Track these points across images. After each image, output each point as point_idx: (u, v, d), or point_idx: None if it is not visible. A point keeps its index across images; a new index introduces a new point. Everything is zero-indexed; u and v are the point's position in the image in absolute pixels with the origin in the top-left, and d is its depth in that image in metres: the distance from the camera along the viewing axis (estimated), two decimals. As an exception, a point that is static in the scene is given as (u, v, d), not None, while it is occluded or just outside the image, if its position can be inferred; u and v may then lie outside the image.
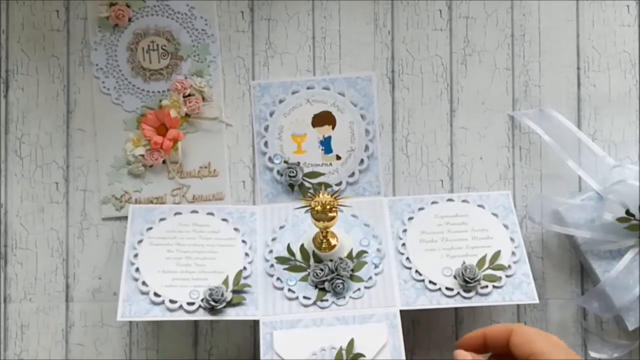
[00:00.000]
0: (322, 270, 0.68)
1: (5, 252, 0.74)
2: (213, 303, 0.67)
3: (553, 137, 0.73)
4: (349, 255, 0.70)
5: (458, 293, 0.68)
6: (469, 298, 0.68)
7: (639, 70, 0.75)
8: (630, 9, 0.76)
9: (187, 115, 0.74)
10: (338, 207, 0.67)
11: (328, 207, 0.66)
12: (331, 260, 0.69)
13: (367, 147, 0.74)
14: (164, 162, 0.74)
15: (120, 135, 0.75)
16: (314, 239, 0.69)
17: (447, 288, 0.68)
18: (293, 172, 0.73)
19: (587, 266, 0.72)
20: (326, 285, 0.68)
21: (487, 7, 0.76)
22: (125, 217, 0.74)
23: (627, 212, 0.68)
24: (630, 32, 0.76)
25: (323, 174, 0.74)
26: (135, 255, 0.70)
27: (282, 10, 0.76)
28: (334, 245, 0.69)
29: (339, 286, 0.68)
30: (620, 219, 0.69)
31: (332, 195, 0.67)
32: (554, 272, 0.74)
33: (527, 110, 0.75)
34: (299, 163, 0.74)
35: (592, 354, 0.73)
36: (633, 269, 0.70)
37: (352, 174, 0.74)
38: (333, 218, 0.67)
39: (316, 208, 0.66)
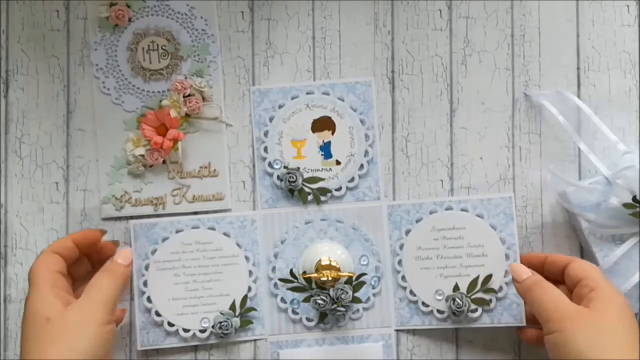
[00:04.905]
0: (324, 300, 0.71)
1: (5, 252, 0.75)
2: (223, 335, 0.71)
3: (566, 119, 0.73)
4: (349, 280, 0.72)
5: (449, 316, 0.72)
6: (459, 321, 0.72)
7: (639, 70, 0.75)
8: (630, 9, 0.76)
9: (187, 115, 0.74)
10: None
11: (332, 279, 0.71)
12: (332, 287, 0.71)
13: (366, 152, 0.74)
14: (164, 162, 0.74)
15: (120, 135, 0.75)
16: (316, 272, 0.71)
17: (438, 311, 0.72)
18: (293, 178, 0.73)
19: (588, 250, 0.72)
20: (327, 312, 0.72)
21: (487, 7, 0.76)
22: (125, 217, 0.74)
23: (634, 198, 0.68)
24: (630, 32, 0.76)
25: (323, 179, 0.74)
26: (144, 283, 0.72)
27: (282, 10, 0.76)
28: (337, 278, 0.71)
29: (340, 317, 0.72)
30: (626, 205, 0.69)
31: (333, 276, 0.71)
32: (554, 272, 0.74)
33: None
34: (298, 168, 0.74)
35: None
36: (633, 255, 0.70)
37: (352, 179, 0.74)
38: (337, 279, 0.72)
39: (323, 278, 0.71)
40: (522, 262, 0.69)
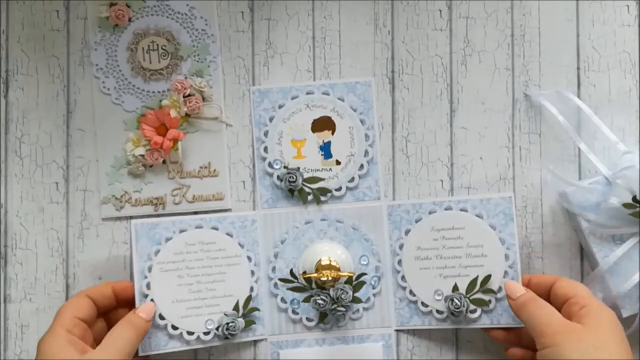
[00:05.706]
0: (324, 300, 0.71)
1: (5, 252, 0.75)
2: (229, 337, 0.71)
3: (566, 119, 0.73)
4: (349, 280, 0.72)
5: (448, 317, 0.72)
6: (459, 322, 0.72)
7: (639, 70, 0.75)
8: (630, 9, 0.76)
9: (187, 115, 0.74)
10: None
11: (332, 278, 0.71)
12: (332, 287, 0.71)
13: (366, 152, 0.74)
14: (164, 162, 0.74)
15: (120, 135, 0.75)
16: (316, 272, 0.71)
17: (437, 311, 0.72)
18: (293, 178, 0.73)
19: (588, 250, 0.72)
20: (327, 312, 0.72)
21: (487, 7, 0.76)
22: (126, 217, 0.74)
23: (634, 198, 0.69)
24: (630, 32, 0.76)
25: (323, 179, 0.74)
26: (147, 285, 0.70)
27: (282, 10, 0.76)
28: (337, 278, 0.71)
29: (340, 317, 0.73)
30: (626, 205, 0.69)
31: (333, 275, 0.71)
32: (553, 272, 0.74)
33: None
34: (298, 168, 0.74)
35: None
36: (633, 255, 0.70)
37: (352, 179, 0.74)
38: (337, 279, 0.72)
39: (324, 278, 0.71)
40: (507, 285, 0.69)
